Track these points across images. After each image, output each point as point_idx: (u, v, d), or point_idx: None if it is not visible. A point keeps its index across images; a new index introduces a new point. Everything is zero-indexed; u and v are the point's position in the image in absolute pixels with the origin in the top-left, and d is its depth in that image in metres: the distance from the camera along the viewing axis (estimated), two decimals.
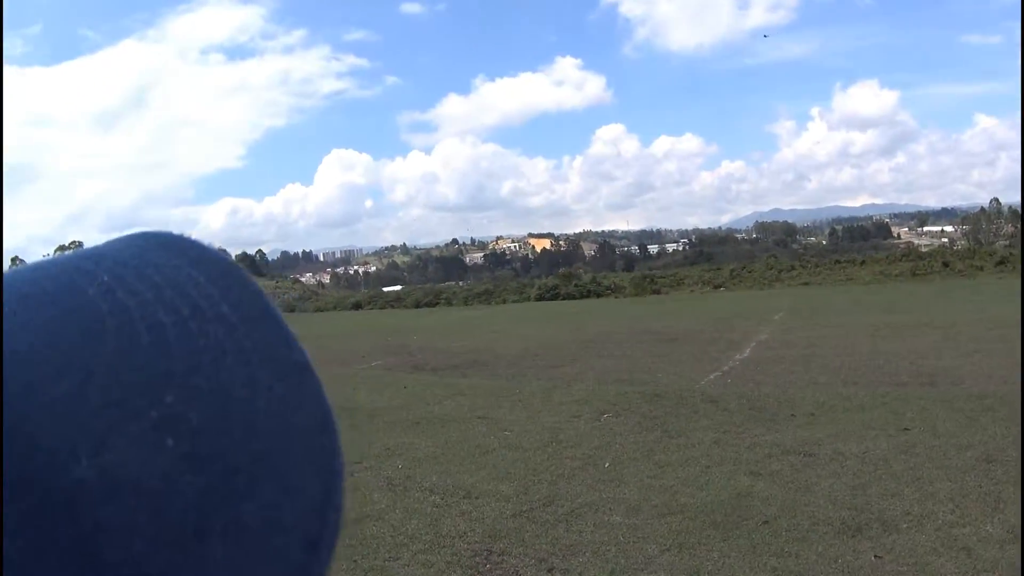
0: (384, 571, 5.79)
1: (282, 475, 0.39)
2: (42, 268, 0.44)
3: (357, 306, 48.28)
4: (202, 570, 0.35)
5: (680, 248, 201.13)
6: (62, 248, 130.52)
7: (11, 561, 0.32)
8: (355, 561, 5.97)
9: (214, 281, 0.44)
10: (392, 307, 45.37)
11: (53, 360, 0.37)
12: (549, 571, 5.60)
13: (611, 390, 12.06)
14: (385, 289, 73.12)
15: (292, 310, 55.36)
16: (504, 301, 39.72)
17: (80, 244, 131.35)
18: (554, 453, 8.63)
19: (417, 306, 42.89)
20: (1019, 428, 7.58)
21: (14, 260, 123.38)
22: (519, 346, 19.09)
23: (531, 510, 6.86)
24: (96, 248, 0.47)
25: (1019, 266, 36.21)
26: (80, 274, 0.42)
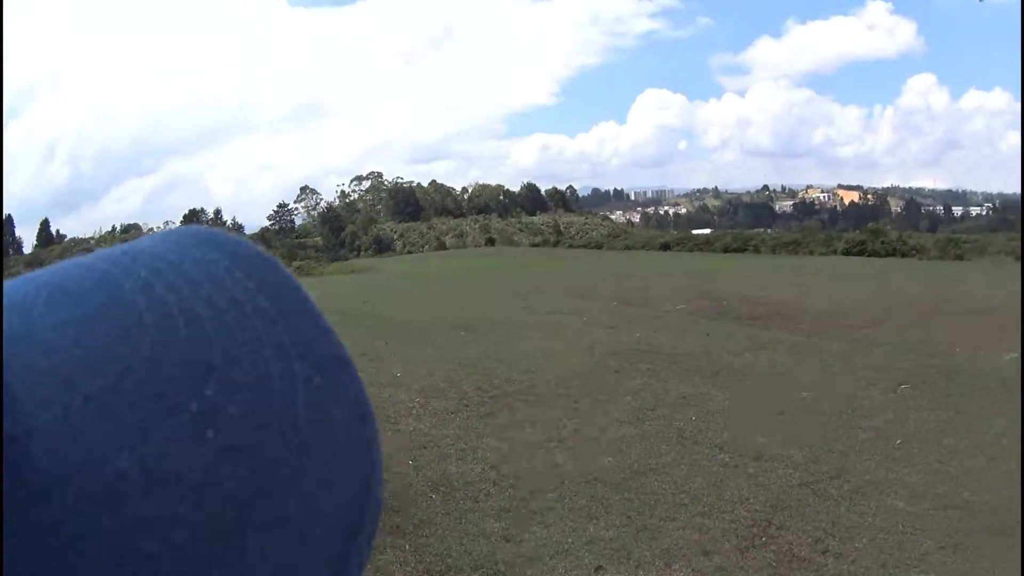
0: (658, 532, 5.92)
1: (321, 467, 0.39)
2: (81, 264, 0.44)
3: (666, 247, 47.96)
4: (242, 561, 0.36)
5: (984, 212, 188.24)
6: (359, 179, 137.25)
7: (53, 553, 0.33)
8: (629, 517, 6.15)
9: (252, 275, 0.44)
10: (700, 250, 44.58)
11: (92, 355, 0.37)
12: (824, 553, 5.59)
13: (910, 360, 11.61)
14: (694, 232, 72.57)
15: (600, 247, 56.02)
16: (811, 252, 38.46)
17: (380, 175, 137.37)
18: (848, 421, 8.49)
19: (726, 251, 42.22)
20: None
21: (303, 189, 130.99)
22: (824, 302, 18.51)
23: (817, 481, 6.82)
24: (133, 244, 0.47)
25: None
26: (118, 269, 0.43)
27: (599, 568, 5.44)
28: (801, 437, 7.97)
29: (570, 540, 5.86)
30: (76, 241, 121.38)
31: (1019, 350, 8.82)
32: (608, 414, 8.99)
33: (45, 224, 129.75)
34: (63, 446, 0.34)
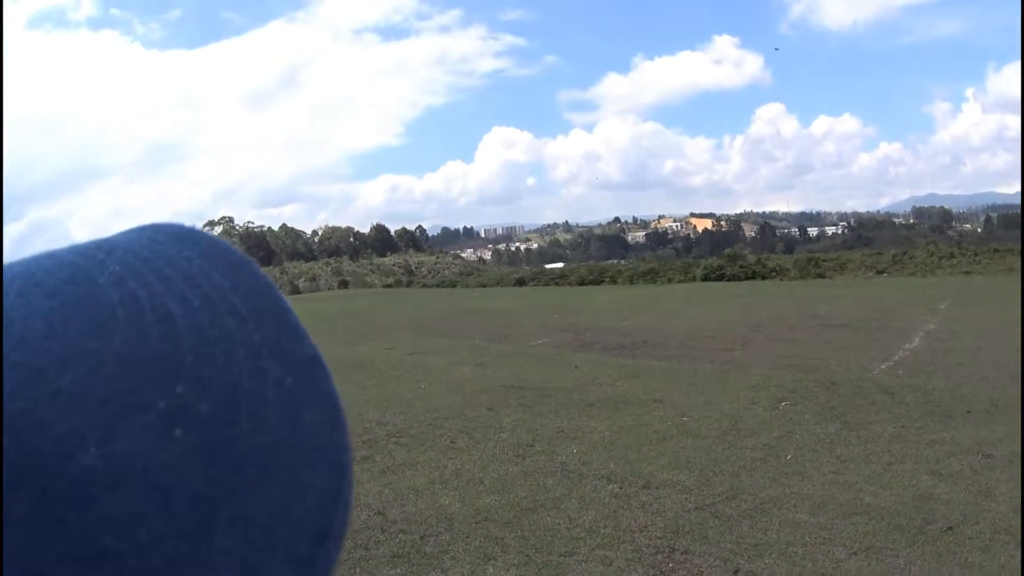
0: (560, 567, 5.77)
1: (291, 468, 0.39)
2: (54, 256, 0.44)
3: (521, 282, 48.30)
4: (208, 561, 0.36)
5: (839, 232, 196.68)
6: (212, 223, 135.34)
7: (19, 548, 0.33)
8: (527, 555, 6.00)
9: (225, 273, 0.45)
10: (556, 284, 45.07)
11: (63, 348, 0.37)
12: (735, 573, 5.51)
13: (786, 376, 11.86)
14: (547, 266, 73.35)
15: (454, 285, 56.15)
16: (670, 280, 39.43)
17: (231, 220, 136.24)
18: (734, 442, 8.54)
19: (581, 283, 42.74)
20: None
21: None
22: (689, 327, 18.93)
23: (714, 504, 6.78)
24: (107, 239, 0.47)
25: None
26: (91, 263, 0.43)
27: None
28: (689, 461, 7.97)
29: None
30: None
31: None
32: (487, 452, 8.86)
33: None
34: (31, 439, 0.34)
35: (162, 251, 0.44)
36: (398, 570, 5.92)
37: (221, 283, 0.43)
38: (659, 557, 5.82)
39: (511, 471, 8.11)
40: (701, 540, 6.06)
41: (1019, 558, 5.11)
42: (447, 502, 7.32)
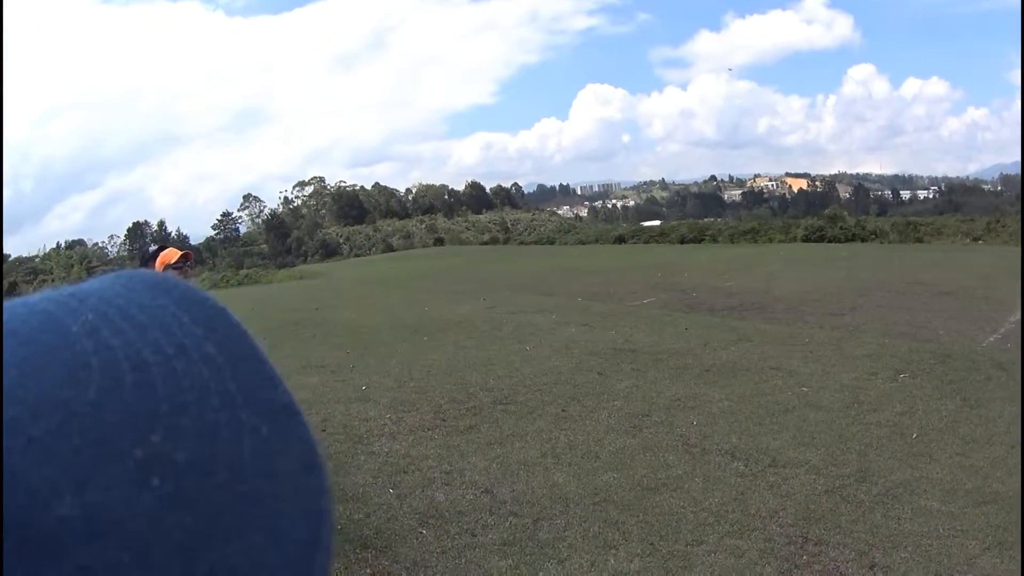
0: (687, 558, 5.28)
1: (269, 516, 0.38)
2: (27, 304, 0.43)
3: (620, 240, 47.87)
4: None
5: (931, 196, 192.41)
6: (302, 184, 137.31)
7: None
8: (651, 544, 5.52)
9: (199, 322, 0.44)
10: (656, 242, 44.50)
11: (36, 397, 0.36)
12: (871, 568, 5.00)
13: (900, 346, 11.16)
14: (645, 224, 72.59)
15: (552, 242, 55.83)
16: (770, 240, 38.66)
17: (322, 179, 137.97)
18: (858, 417, 7.95)
19: (682, 241, 42.22)
20: None
21: (246, 197, 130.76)
22: (794, 289, 18.15)
23: (844, 487, 6.26)
24: (81, 286, 0.46)
25: None
26: (65, 311, 0.42)
27: None
28: (814, 437, 7.46)
29: None
30: (20, 260, 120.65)
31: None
32: (601, 422, 8.38)
33: None
34: (5, 490, 0.34)
35: (136, 299, 0.44)
36: (509, 561, 5.46)
37: (195, 331, 0.43)
38: (792, 548, 5.33)
39: (629, 444, 7.60)
40: (834, 529, 5.57)
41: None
42: (561, 479, 6.84)
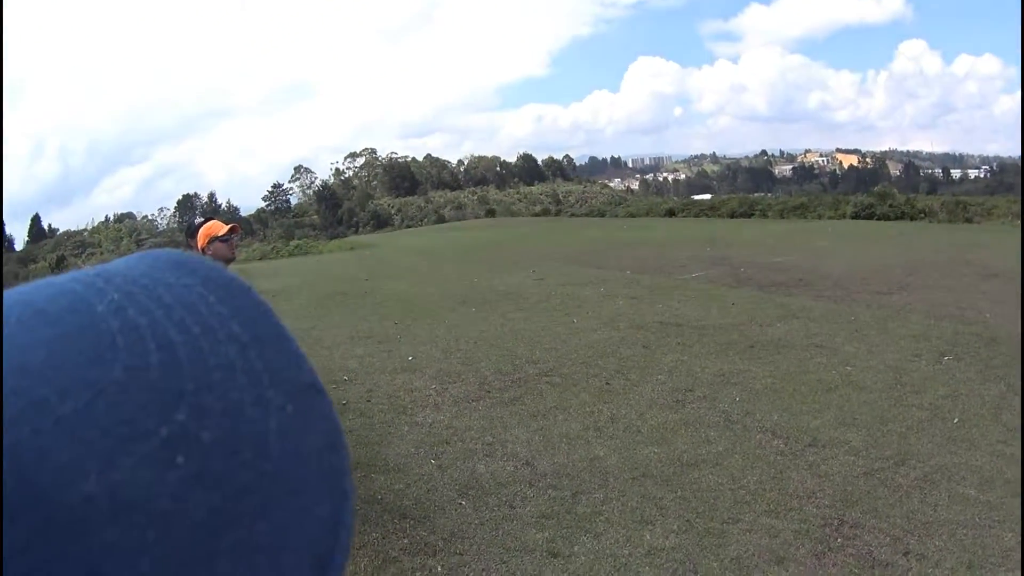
0: (722, 536, 5.26)
1: (293, 495, 0.39)
2: (53, 284, 0.43)
3: (671, 213, 47.57)
4: None
5: (982, 175, 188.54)
6: (353, 155, 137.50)
7: None
8: (688, 520, 5.51)
9: (225, 301, 0.44)
10: (706, 215, 44.03)
11: (63, 376, 0.37)
12: (905, 555, 4.93)
13: (946, 328, 10.95)
14: (695, 197, 72.05)
15: (603, 214, 55.60)
16: (820, 216, 38.11)
17: (373, 151, 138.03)
18: (900, 399, 7.83)
19: (732, 215, 41.77)
20: None
21: (297, 169, 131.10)
22: (843, 266, 17.83)
23: (882, 470, 6.19)
24: (106, 266, 0.46)
25: None
26: (91, 291, 0.42)
27: None
28: (855, 418, 7.37)
29: (626, 552, 5.16)
30: (69, 234, 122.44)
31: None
32: (644, 396, 8.36)
33: (36, 220, 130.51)
34: (31, 468, 0.34)
35: (161, 278, 0.44)
36: (545, 534, 5.47)
37: (221, 310, 0.43)
38: (827, 530, 5.28)
39: (670, 419, 7.59)
40: (871, 512, 5.50)
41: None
42: (602, 453, 6.85)
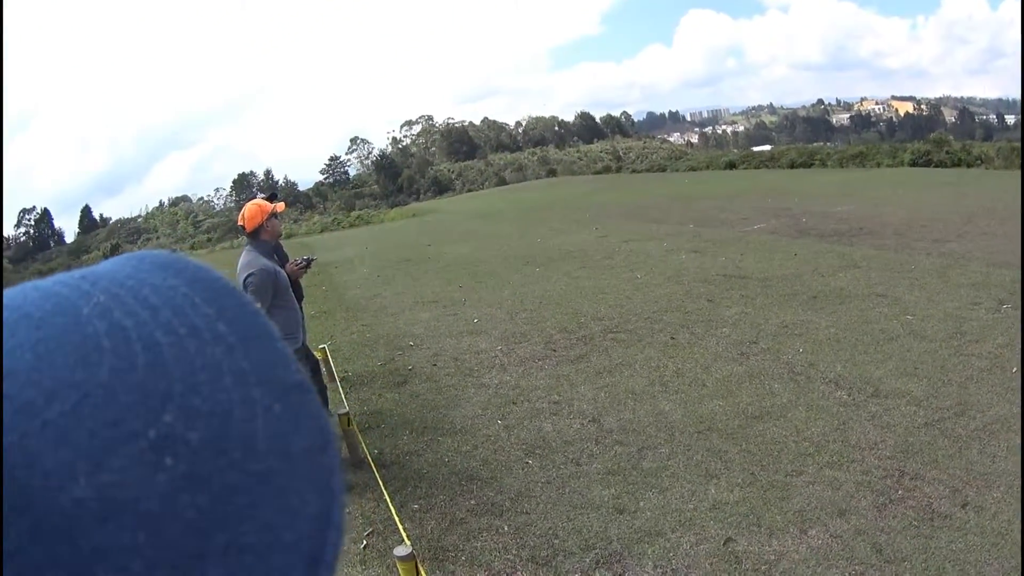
0: (786, 489, 5.26)
1: (282, 495, 0.39)
2: (38, 288, 0.43)
3: (731, 165, 46.93)
4: None
5: None
6: (409, 123, 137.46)
7: None
8: (752, 473, 5.52)
9: (211, 301, 0.44)
10: (766, 167, 43.31)
11: (50, 380, 0.37)
12: (963, 506, 4.87)
13: (1005, 275, 10.65)
14: (755, 149, 71.05)
15: (663, 169, 55.13)
16: (878, 165, 37.34)
17: (430, 117, 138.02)
18: (960, 348, 7.69)
19: (791, 166, 41.12)
20: None
21: (353, 140, 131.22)
22: (902, 214, 17.48)
23: (942, 420, 6.12)
24: (91, 268, 0.46)
25: None
26: (76, 294, 0.42)
27: (728, 540, 4.75)
28: (916, 368, 7.27)
29: (691, 506, 5.19)
30: (122, 222, 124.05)
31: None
32: (709, 350, 8.36)
33: (86, 211, 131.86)
34: (20, 473, 0.34)
35: (147, 280, 0.45)
36: (612, 490, 5.51)
37: (207, 311, 0.43)
38: (888, 482, 5.25)
39: (735, 372, 7.58)
40: (931, 464, 5.45)
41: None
42: (667, 408, 6.87)
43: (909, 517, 4.78)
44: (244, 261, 5.90)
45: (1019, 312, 8.53)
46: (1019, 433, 5.79)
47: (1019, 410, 6.16)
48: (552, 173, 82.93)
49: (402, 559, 3.76)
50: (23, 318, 0.40)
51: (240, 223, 6.09)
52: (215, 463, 0.37)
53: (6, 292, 0.43)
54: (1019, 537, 4.43)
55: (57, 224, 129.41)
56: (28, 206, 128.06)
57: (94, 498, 0.34)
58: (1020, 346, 7.23)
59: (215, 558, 0.36)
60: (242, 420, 0.39)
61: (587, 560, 4.70)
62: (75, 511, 0.34)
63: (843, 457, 5.61)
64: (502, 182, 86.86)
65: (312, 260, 6.96)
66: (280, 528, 0.38)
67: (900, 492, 5.07)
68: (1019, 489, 5.00)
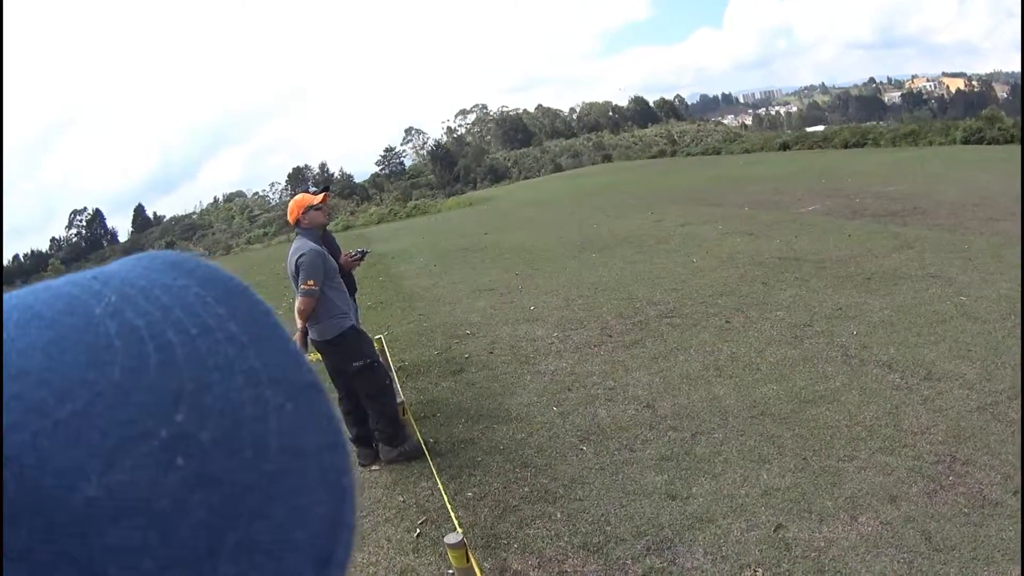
0: (837, 475, 5.23)
1: (293, 494, 0.39)
2: (51, 288, 0.43)
3: (784, 147, 46.43)
4: None
5: None
6: (464, 112, 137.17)
7: None
8: (804, 458, 5.50)
9: (222, 301, 0.44)
10: (819, 147, 42.76)
11: (62, 380, 0.37)
12: (1015, 493, 4.77)
13: None
14: (809, 129, 70.09)
15: (718, 152, 54.68)
16: (930, 143, 36.59)
17: (484, 106, 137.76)
18: (1013, 329, 7.51)
19: (845, 146, 40.58)
20: None
21: (408, 131, 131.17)
22: (955, 193, 17.10)
23: (996, 404, 5.99)
24: (103, 268, 0.46)
25: None
26: (88, 294, 0.42)
27: (779, 526, 4.75)
28: (970, 350, 7.15)
29: (743, 492, 5.19)
30: (177, 219, 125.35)
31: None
32: (763, 333, 8.33)
33: (139, 209, 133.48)
34: (31, 472, 0.34)
35: (158, 280, 0.45)
36: (664, 476, 5.54)
37: (219, 311, 0.44)
38: (939, 467, 5.17)
39: (789, 355, 7.56)
40: (983, 449, 5.35)
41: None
42: (721, 392, 6.89)
43: (959, 504, 4.71)
44: (295, 247, 6.22)
45: None
46: None
47: None
48: (607, 158, 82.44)
49: (452, 546, 3.83)
50: (35, 318, 0.40)
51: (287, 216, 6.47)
52: (227, 463, 0.38)
53: (18, 292, 0.43)
54: None
55: (110, 224, 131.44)
56: (79, 207, 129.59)
57: (106, 497, 0.34)
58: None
59: (226, 557, 0.36)
60: (254, 419, 0.40)
61: (638, 547, 4.74)
62: (87, 510, 0.34)
63: (895, 442, 5.56)
64: (558, 168, 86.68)
65: (366, 253, 7.12)
66: (291, 527, 0.39)
67: (951, 478, 5.01)
68: None
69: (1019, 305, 8.16)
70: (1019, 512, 4.60)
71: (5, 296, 0.42)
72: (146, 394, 0.37)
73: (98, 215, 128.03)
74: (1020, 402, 5.92)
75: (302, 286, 5.94)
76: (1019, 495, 4.77)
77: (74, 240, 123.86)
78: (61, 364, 0.37)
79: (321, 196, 6.51)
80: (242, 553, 0.36)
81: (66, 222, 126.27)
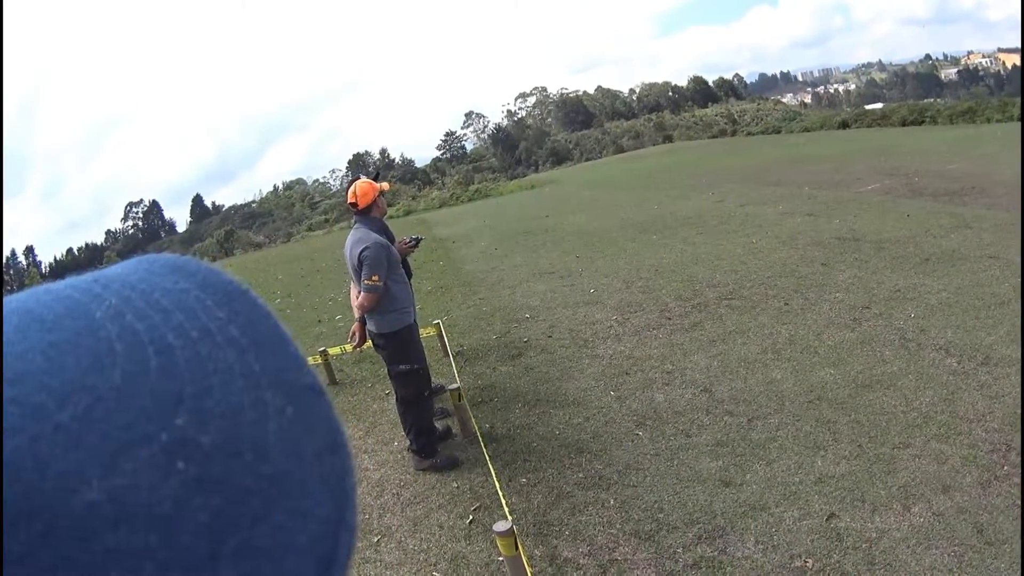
0: (892, 463, 5.17)
1: (294, 497, 0.39)
2: (51, 291, 0.43)
3: (843, 125, 45.77)
4: None
5: None
6: (523, 95, 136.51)
7: None
8: (860, 445, 5.45)
9: (223, 304, 0.45)
10: (878, 125, 41.88)
11: (62, 383, 0.37)
12: None
13: None
14: (867, 107, 68.87)
15: (778, 131, 54.03)
16: (988, 120, 35.67)
17: (544, 89, 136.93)
18: None
19: (903, 124, 39.80)
20: None
21: (468, 115, 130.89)
22: (1013, 171, 16.30)
23: None
24: (104, 271, 0.46)
25: None
26: (89, 297, 0.42)
27: (831, 516, 4.73)
28: None
29: (797, 479, 5.17)
30: (236, 208, 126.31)
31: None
32: (822, 315, 8.26)
33: (197, 199, 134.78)
34: (31, 476, 0.34)
35: (159, 283, 0.45)
36: (719, 462, 5.54)
37: (219, 314, 0.44)
38: (994, 456, 5.09)
39: (847, 338, 7.48)
40: None
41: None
42: (779, 376, 6.86)
43: (1013, 496, 4.65)
44: (356, 237, 6.08)
45: None
46: None
47: None
48: (668, 139, 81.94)
49: (501, 535, 3.87)
50: (35, 321, 0.40)
51: (352, 200, 6.24)
52: (227, 466, 0.38)
53: (18, 295, 0.43)
54: None
55: (168, 215, 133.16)
56: (135, 200, 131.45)
57: (106, 501, 0.34)
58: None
59: (228, 561, 0.36)
60: (254, 423, 0.40)
61: (690, 535, 4.77)
62: (87, 514, 0.34)
63: (950, 429, 5.49)
64: (619, 150, 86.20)
65: (420, 240, 7.13)
66: (293, 530, 0.39)
67: (1006, 468, 4.93)
68: None
69: None
70: None
71: (5, 299, 0.43)
72: (147, 398, 0.38)
73: (155, 206, 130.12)
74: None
75: (366, 281, 5.87)
76: None
77: (130, 232, 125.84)
78: (61, 367, 0.38)
79: (386, 184, 6.48)
80: (243, 556, 0.37)
81: (121, 215, 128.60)
